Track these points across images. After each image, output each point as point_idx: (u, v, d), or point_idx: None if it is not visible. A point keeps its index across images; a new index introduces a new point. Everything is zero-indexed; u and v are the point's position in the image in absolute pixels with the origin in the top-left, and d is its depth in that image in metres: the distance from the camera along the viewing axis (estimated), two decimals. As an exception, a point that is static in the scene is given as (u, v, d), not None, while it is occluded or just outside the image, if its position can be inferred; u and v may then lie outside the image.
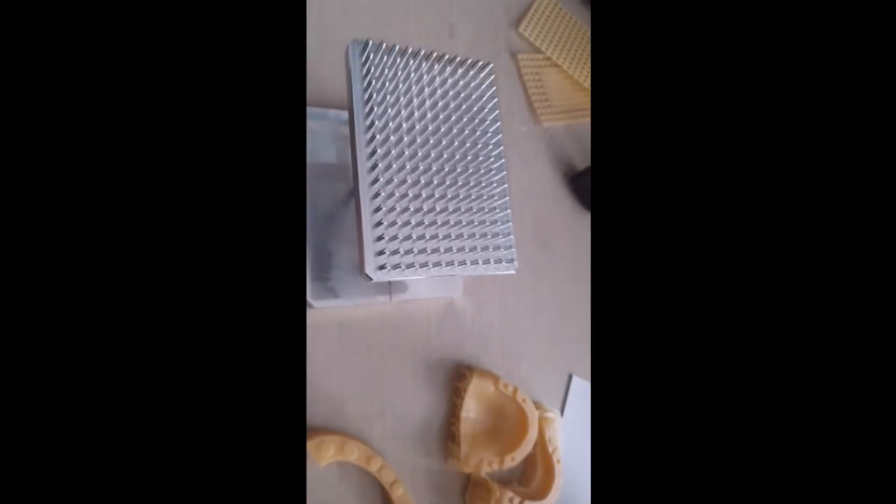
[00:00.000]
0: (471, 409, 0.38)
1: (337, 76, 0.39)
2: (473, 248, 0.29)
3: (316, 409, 0.34)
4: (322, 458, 0.32)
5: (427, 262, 0.27)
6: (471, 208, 0.29)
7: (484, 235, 0.29)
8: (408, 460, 0.36)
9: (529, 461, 0.40)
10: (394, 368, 0.37)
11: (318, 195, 0.36)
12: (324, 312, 0.35)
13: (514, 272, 0.30)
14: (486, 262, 0.29)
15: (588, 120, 0.51)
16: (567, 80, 0.51)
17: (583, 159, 0.50)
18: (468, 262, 0.28)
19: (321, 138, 0.37)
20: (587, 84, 0.52)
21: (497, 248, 0.30)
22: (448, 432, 0.38)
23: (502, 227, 0.30)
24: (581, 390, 0.44)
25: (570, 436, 0.43)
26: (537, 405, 0.40)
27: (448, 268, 0.28)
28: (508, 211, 0.30)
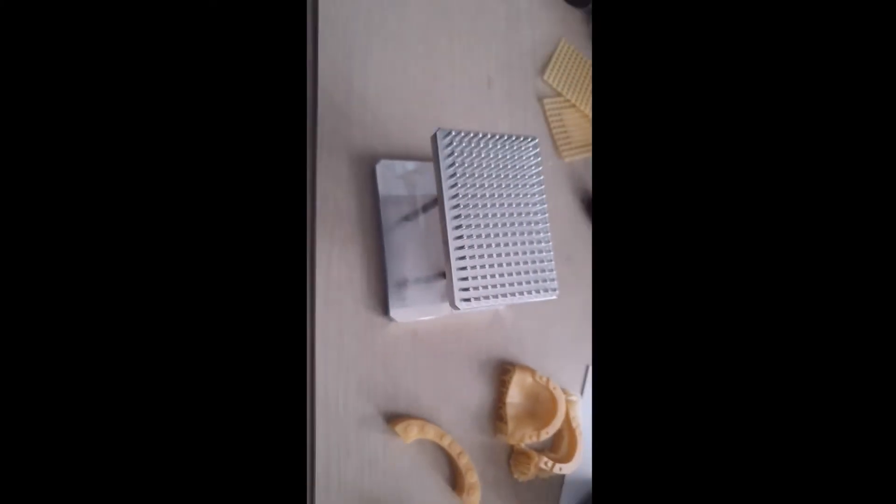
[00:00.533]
0: (514, 396, 0.49)
1: (399, 132, 0.48)
2: (528, 281, 0.39)
3: (398, 401, 0.44)
4: (408, 437, 0.42)
5: (497, 294, 0.37)
6: (524, 250, 0.39)
7: (535, 271, 0.39)
8: (468, 436, 0.46)
9: (558, 434, 0.51)
10: (455, 367, 0.47)
11: (390, 218, 0.45)
12: (401, 326, 0.45)
13: (555, 297, 0.40)
14: (537, 291, 0.39)
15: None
16: (583, 118, 0.60)
17: (596, 185, 0.59)
18: (524, 293, 0.38)
19: (392, 179, 0.46)
20: (599, 119, 0.60)
21: (544, 280, 0.39)
22: (497, 414, 0.48)
23: (546, 263, 0.40)
24: (596, 378, 0.55)
25: (588, 414, 0.54)
26: (564, 391, 0.51)
27: (510, 298, 0.37)
28: (551, 252, 0.40)
